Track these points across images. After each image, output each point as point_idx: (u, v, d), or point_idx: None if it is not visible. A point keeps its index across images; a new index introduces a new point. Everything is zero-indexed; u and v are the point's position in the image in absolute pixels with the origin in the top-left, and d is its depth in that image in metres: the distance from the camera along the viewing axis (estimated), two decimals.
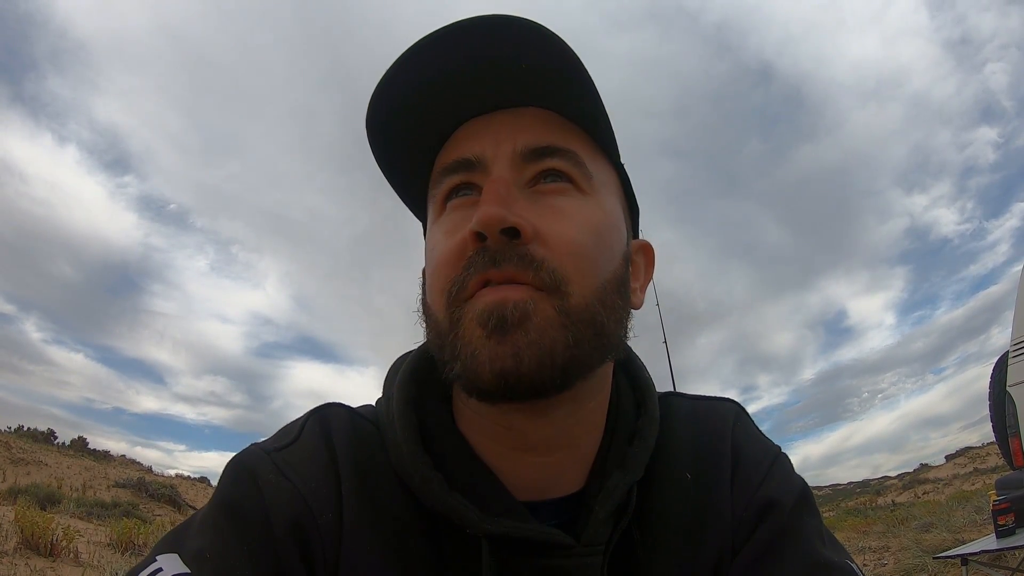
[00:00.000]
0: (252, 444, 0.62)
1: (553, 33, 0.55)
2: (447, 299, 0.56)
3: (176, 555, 0.54)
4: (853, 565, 0.60)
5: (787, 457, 0.70)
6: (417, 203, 0.68)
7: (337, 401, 0.67)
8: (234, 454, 0.62)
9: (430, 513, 0.57)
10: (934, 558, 3.84)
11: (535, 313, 0.52)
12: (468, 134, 0.60)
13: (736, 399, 0.74)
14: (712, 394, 0.75)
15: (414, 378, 0.64)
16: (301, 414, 0.66)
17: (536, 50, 0.56)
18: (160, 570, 0.52)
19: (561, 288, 0.54)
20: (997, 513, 3.39)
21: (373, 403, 0.69)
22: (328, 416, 0.64)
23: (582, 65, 0.57)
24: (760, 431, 0.73)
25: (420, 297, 0.64)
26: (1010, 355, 4.53)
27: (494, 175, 0.57)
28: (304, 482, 0.58)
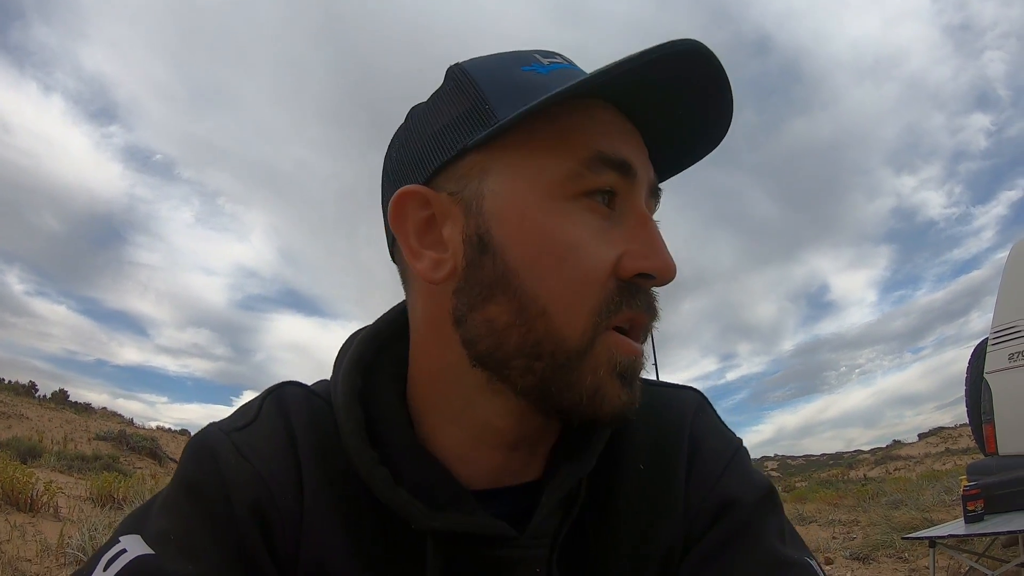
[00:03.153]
0: (210, 424, 0.61)
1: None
2: (595, 319, 0.53)
3: (139, 536, 0.54)
4: (813, 563, 0.59)
5: (747, 451, 0.69)
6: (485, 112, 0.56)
7: (292, 380, 0.66)
8: (195, 435, 0.61)
9: (380, 502, 0.57)
10: (903, 538, 3.93)
11: (644, 364, 0.57)
12: (619, 127, 0.56)
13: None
14: (675, 381, 0.74)
15: (359, 366, 0.61)
16: (260, 392, 0.65)
17: (721, 118, 0.59)
18: (124, 551, 0.52)
19: (645, 339, 0.57)
20: (967, 499, 3.46)
21: (328, 378, 0.66)
22: (285, 396, 0.63)
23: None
24: (722, 422, 0.71)
25: (475, 259, 0.55)
26: (990, 342, 4.58)
27: (643, 208, 0.56)
28: (263, 463, 0.57)
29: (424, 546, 0.56)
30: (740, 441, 0.69)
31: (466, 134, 0.55)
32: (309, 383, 0.67)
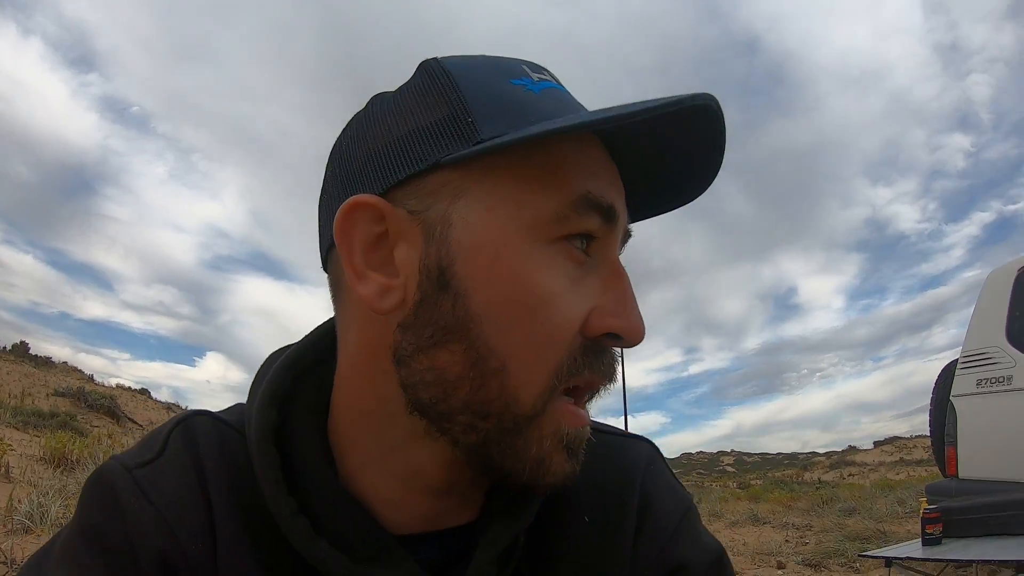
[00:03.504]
0: (112, 457, 0.56)
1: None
2: (552, 381, 0.48)
3: None
4: None
5: (697, 511, 0.66)
6: (455, 131, 0.49)
7: (202, 409, 0.60)
8: (96, 469, 0.56)
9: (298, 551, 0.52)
10: (859, 555, 3.99)
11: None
12: (607, 168, 0.52)
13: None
14: (627, 430, 0.70)
15: (275, 399, 0.55)
16: (165, 423, 0.59)
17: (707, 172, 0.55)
18: None
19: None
20: (927, 521, 3.53)
21: (243, 403, 0.60)
22: (194, 427, 0.57)
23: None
24: (675, 478, 0.68)
25: (433, 298, 0.48)
26: (959, 365, 4.66)
27: (618, 258, 0.53)
28: (169, 507, 0.52)
29: None
30: (691, 499, 0.67)
31: (441, 146, 0.48)
32: (219, 409, 0.61)
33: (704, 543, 0.63)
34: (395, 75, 0.56)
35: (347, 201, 0.49)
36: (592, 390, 0.52)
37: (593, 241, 0.50)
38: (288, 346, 0.60)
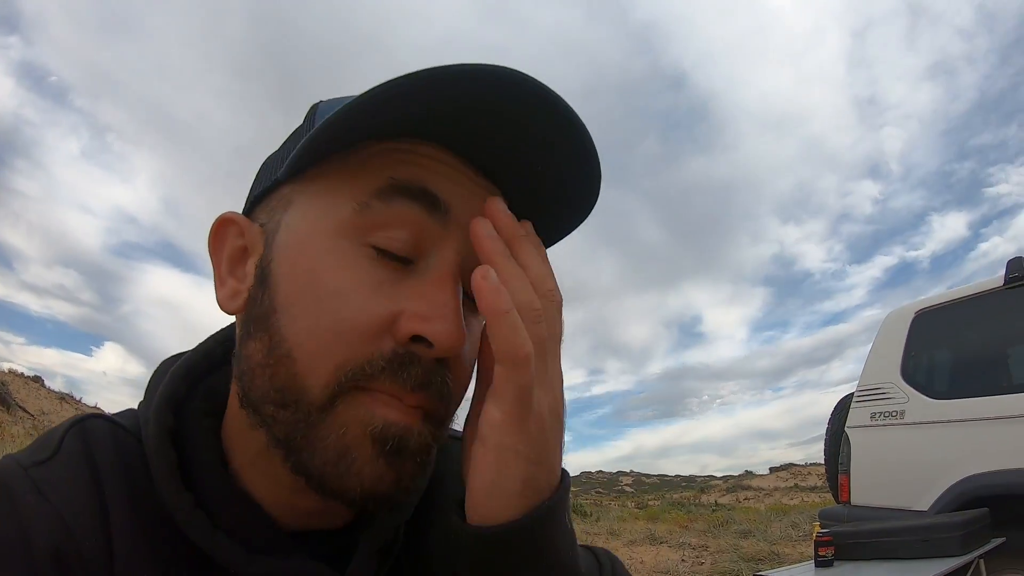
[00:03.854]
0: (6, 456, 0.55)
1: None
2: (339, 376, 0.47)
3: None
4: None
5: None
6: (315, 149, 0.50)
7: (97, 412, 0.61)
8: None
9: (196, 547, 0.52)
10: (756, 575, 4.13)
11: (429, 446, 0.50)
12: (439, 161, 0.50)
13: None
14: None
15: (171, 403, 0.56)
16: (60, 424, 0.58)
17: (586, 171, 0.52)
18: None
19: (441, 425, 0.52)
20: (819, 544, 3.68)
21: (136, 407, 0.61)
22: (89, 430, 0.57)
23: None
24: None
25: (256, 294, 0.52)
26: (855, 398, 4.92)
27: (450, 263, 0.49)
28: (65, 504, 0.51)
29: None
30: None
31: (281, 165, 0.53)
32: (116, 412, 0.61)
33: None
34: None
35: (217, 218, 0.56)
36: (413, 404, 0.49)
37: (421, 243, 0.49)
38: (181, 354, 0.62)
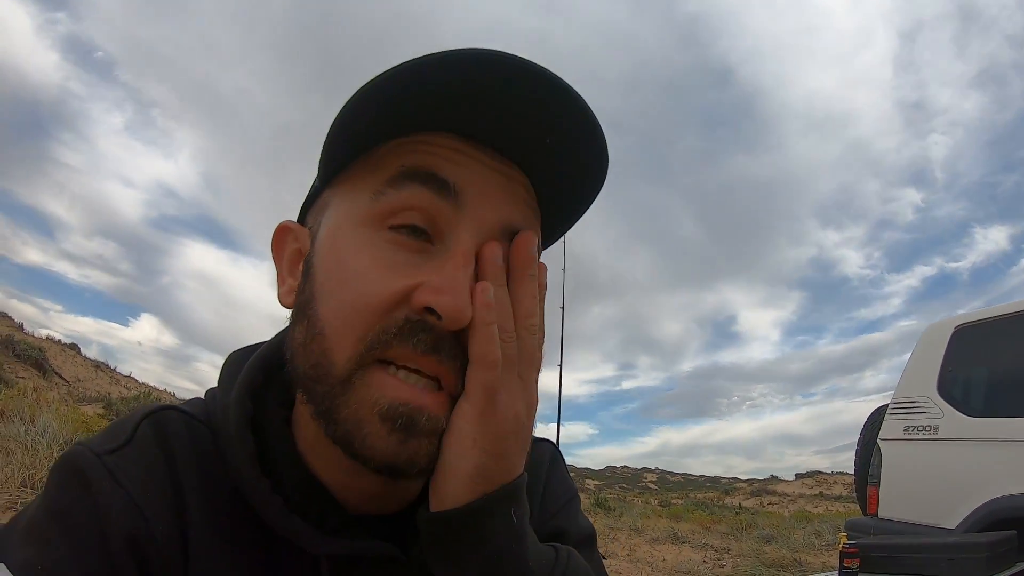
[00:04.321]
0: (79, 443, 0.57)
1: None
2: (360, 347, 0.51)
3: (1, 565, 0.49)
4: None
5: (579, 499, 0.79)
6: (340, 154, 0.57)
7: (170, 404, 0.63)
8: (63, 454, 0.57)
9: (269, 529, 0.56)
10: None
11: (444, 426, 0.52)
12: (452, 152, 0.54)
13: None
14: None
15: (250, 392, 0.59)
16: (131, 413, 0.61)
17: (590, 142, 0.55)
18: None
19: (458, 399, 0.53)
20: (845, 555, 3.65)
21: (198, 398, 0.65)
22: (163, 421, 0.59)
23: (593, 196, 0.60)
24: (568, 473, 0.81)
25: (301, 286, 0.57)
26: (889, 410, 4.85)
27: (465, 243, 0.52)
28: (140, 491, 0.53)
29: (318, 570, 0.57)
30: (576, 490, 0.80)
31: (318, 173, 0.59)
32: (195, 398, 0.65)
33: (581, 522, 0.75)
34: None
35: (276, 227, 0.63)
36: (425, 369, 0.51)
37: (436, 227, 0.53)
38: (252, 345, 0.66)
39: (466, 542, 0.51)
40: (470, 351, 0.51)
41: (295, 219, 0.64)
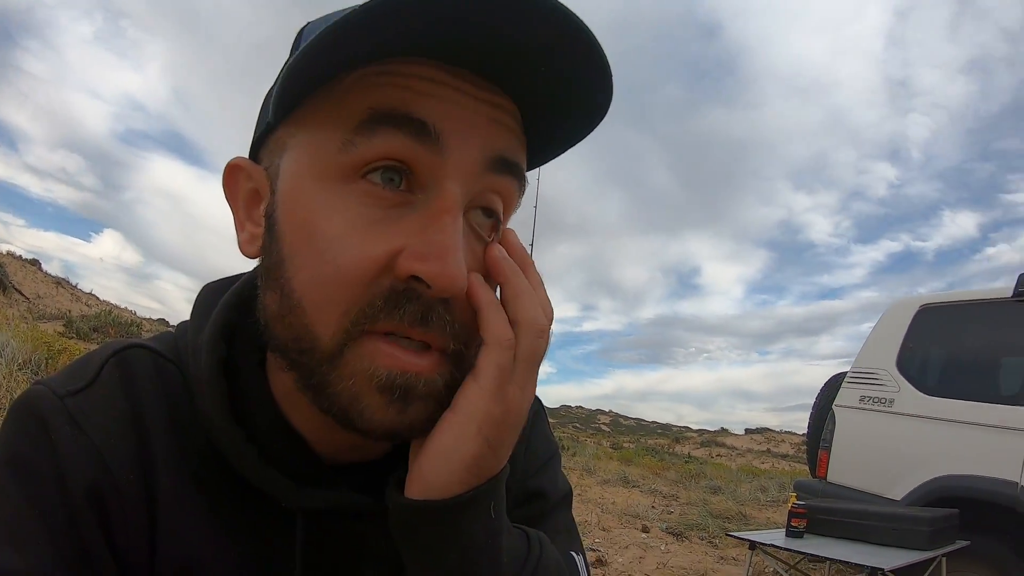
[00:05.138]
0: (38, 383, 0.54)
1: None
2: (344, 322, 0.46)
3: None
4: (578, 559, 0.65)
5: (560, 458, 0.78)
6: (294, 89, 0.47)
7: (138, 341, 0.59)
8: (22, 393, 0.53)
9: (243, 479, 0.54)
10: (727, 535, 4.32)
11: (439, 386, 0.49)
12: (428, 84, 0.46)
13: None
14: None
15: (224, 334, 0.56)
16: (96, 349, 0.58)
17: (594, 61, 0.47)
18: None
19: (460, 360, 0.49)
20: (793, 515, 3.84)
21: (168, 332, 0.62)
22: (131, 360, 0.56)
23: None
24: (550, 429, 0.79)
25: (267, 243, 0.51)
26: (847, 378, 5.02)
27: (449, 194, 0.47)
28: (104, 438, 0.51)
29: (291, 523, 0.55)
30: (558, 448, 0.78)
31: (270, 108, 0.50)
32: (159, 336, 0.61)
33: (560, 482, 0.74)
34: None
35: (225, 165, 0.55)
36: (417, 340, 0.48)
37: (414, 173, 0.47)
38: (227, 279, 0.62)
39: (444, 535, 0.49)
40: (483, 332, 0.48)
41: (247, 156, 0.56)
